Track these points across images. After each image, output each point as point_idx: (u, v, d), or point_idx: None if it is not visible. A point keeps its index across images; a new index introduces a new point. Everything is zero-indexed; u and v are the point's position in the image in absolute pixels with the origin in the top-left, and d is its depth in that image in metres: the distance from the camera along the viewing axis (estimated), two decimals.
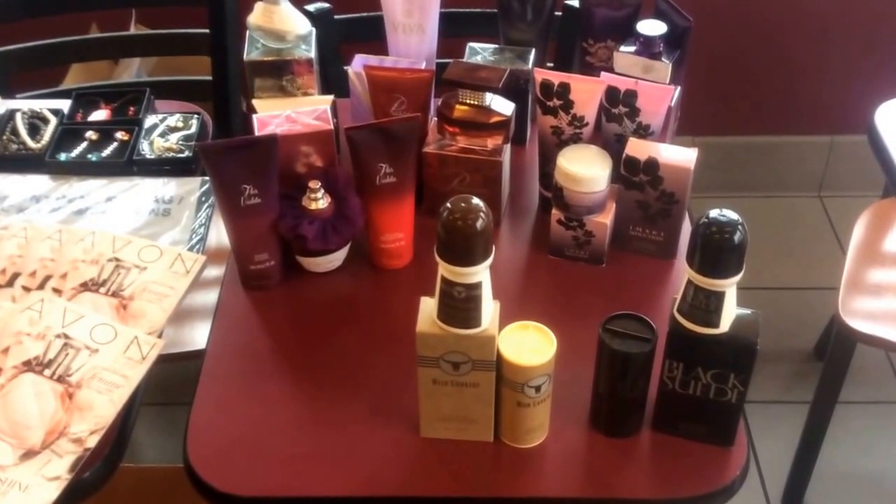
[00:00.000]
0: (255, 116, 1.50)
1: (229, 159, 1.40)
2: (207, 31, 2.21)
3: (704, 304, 1.16)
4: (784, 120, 3.10)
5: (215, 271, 1.58)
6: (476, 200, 1.13)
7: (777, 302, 2.86)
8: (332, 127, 1.48)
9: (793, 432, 2.27)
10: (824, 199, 3.21)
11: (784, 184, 3.21)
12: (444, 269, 1.14)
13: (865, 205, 2.24)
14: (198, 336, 1.53)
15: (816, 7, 2.84)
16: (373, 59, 1.68)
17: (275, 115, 1.49)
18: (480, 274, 1.14)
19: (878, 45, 2.91)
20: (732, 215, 1.13)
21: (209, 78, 2.28)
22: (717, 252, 1.12)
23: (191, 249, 1.62)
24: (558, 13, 1.89)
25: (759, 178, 3.19)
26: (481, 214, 1.11)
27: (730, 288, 1.15)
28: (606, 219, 1.50)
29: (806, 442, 2.23)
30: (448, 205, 1.12)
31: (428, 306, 1.20)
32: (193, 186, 1.75)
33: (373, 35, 1.76)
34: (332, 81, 2.04)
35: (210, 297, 1.54)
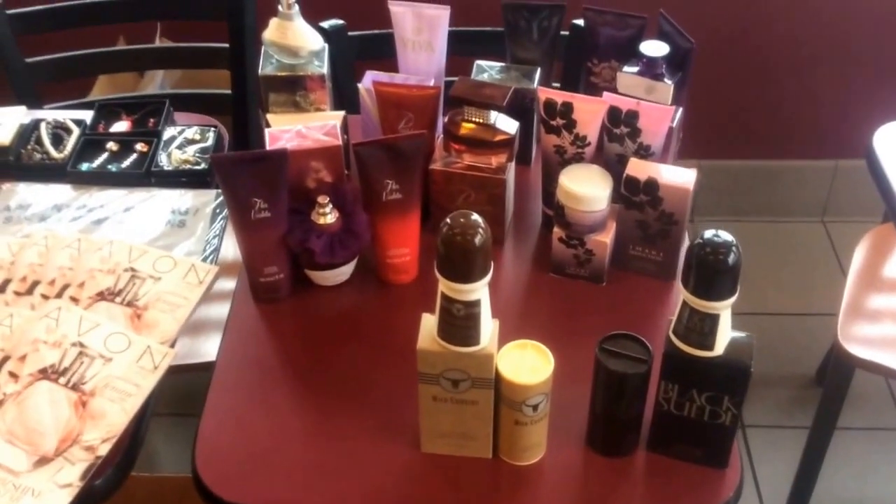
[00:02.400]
0: (266, 131, 1.48)
1: (241, 172, 1.37)
2: (228, 45, 2.19)
3: (699, 327, 1.13)
4: (788, 144, 3.04)
5: (230, 284, 1.56)
6: (475, 216, 1.10)
7: (779, 327, 2.80)
8: (340, 143, 1.46)
9: (793, 457, 2.23)
10: (827, 224, 3.14)
11: (787, 208, 3.14)
12: (443, 286, 1.12)
13: (869, 230, 2.19)
14: (211, 347, 1.50)
15: (820, 33, 2.79)
16: (383, 76, 1.65)
17: (286, 129, 1.47)
18: (479, 291, 1.12)
19: (882, 69, 2.87)
20: (727, 237, 1.10)
21: (230, 91, 2.25)
22: (711, 274, 1.09)
23: (204, 260, 1.60)
24: (565, 32, 1.86)
25: (763, 202, 3.13)
26: (480, 230, 1.09)
27: (724, 310, 1.12)
28: (607, 238, 1.47)
29: (805, 466, 2.19)
30: (448, 220, 1.10)
31: (429, 323, 1.17)
32: (209, 198, 1.73)
33: (386, 52, 1.73)
34: (346, 97, 2.01)
35: (224, 309, 1.52)
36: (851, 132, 2.88)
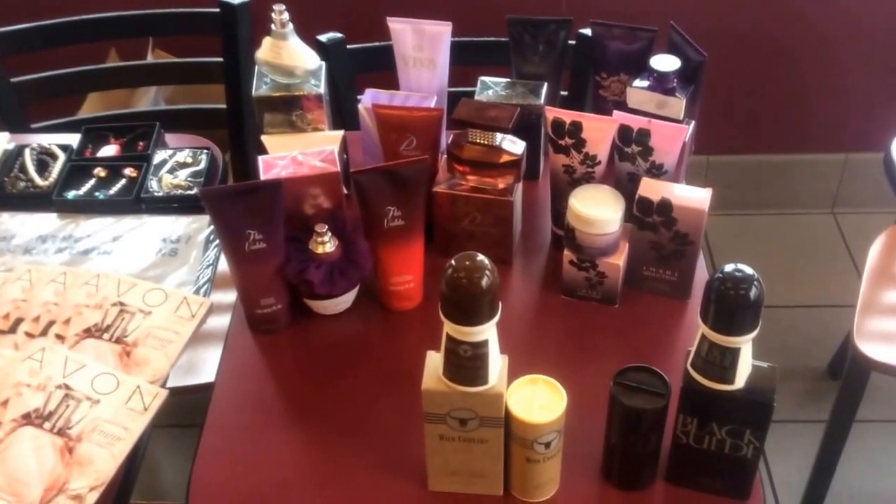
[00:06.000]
0: (260, 158, 1.43)
1: (233, 204, 1.33)
2: (221, 59, 2.14)
3: (719, 361, 1.08)
4: (798, 138, 3.03)
5: (230, 297, 1.51)
6: (481, 258, 1.05)
7: (790, 320, 2.79)
8: (338, 169, 1.41)
9: (807, 451, 2.21)
10: (838, 216, 3.14)
11: (798, 201, 3.14)
12: (448, 328, 1.07)
13: (878, 221, 2.16)
14: (211, 367, 1.45)
15: (827, 29, 2.77)
16: (383, 95, 1.60)
17: (280, 156, 1.42)
18: (487, 332, 1.07)
19: (889, 63, 2.84)
20: (747, 270, 1.05)
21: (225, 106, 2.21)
22: (732, 309, 1.05)
23: (198, 291, 1.55)
24: (572, 42, 1.81)
25: (773, 195, 3.12)
26: (486, 272, 1.04)
27: (745, 344, 1.07)
28: (619, 260, 1.42)
29: (821, 464, 2.16)
30: (452, 262, 1.05)
31: (434, 362, 1.13)
32: (201, 225, 1.68)
33: (386, 65, 1.69)
34: (346, 112, 1.96)
35: (224, 321, 1.48)
36: (862, 126, 2.92)
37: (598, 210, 1.38)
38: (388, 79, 1.67)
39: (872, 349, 1.87)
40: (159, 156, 1.80)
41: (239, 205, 1.33)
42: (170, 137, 1.91)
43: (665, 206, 1.38)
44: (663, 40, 1.58)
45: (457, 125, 1.47)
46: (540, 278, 1.55)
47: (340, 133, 1.54)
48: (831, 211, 3.15)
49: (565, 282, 1.47)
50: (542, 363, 1.17)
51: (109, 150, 1.84)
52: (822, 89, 2.91)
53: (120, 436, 1.29)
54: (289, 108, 1.55)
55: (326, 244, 1.39)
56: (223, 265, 1.52)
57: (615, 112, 1.44)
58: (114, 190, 1.75)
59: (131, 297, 1.48)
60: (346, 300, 1.45)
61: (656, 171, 1.44)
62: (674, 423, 1.17)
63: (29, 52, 2.14)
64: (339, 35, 1.95)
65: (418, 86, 1.64)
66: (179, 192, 1.73)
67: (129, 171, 1.77)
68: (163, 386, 1.37)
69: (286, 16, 1.50)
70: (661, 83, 1.49)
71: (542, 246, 1.59)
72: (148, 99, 2.57)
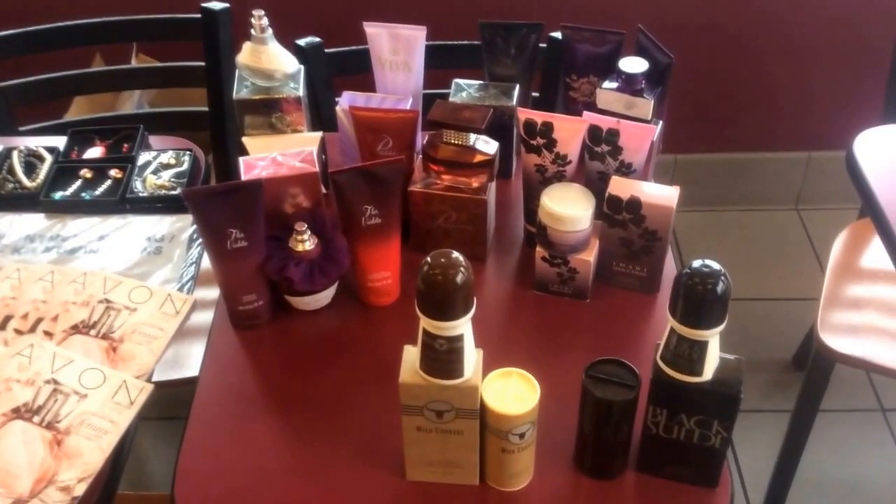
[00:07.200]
0: (241, 159, 1.42)
1: (215, 204, 1.32)
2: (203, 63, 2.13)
3: (687, 353, 1.09)
4: (763, 137, 3.04)
5: (213, 293, 1.50)
6: (456, 254, 1.05)
7: (756, 312, 2.80)
8: (317, 169, 1.40)
9: (773, 440, 2.21)
10: (801, 212, 3.16)
11: (763, 198, 3.15)
12: (425, 323, 1.07)
13: (841, 217, 2.16)
14: (195, 361, 1.45)
15: (794, 29, 2.79)
16: (359, 97, 1.60)
17: (261, 157, 1.42)
18: (462, 326, 1.07)
19: (847, 64, 2.86)
20: (715, 265, 1.05)
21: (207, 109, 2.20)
22: (699, 303, 1.05)
23: (181, 288, 1.55)
24: (542, 45, 1.81)
25: (739, 192, 3.14)
26: (461, 269, 1.04)
27: (713, 337, 1.07)
28: (590, 256, 1.42)
29: (787, 452, 2.17)
30: (428, 259, 1.05)
31: (411, 355, 1.13)
32: (185, 224, 1.68)
33: (363, 68, 1.69)
34: (324, 114, 1.96)
35: (207, 317, 1.47)
36: (824, 127, 2.93)
37: (569, 208, 1.39)
38: (365, 81, 1.66)
39: (836, 342, 1.88)
40: (143, 157, 1.80)
41: (221, 204, 1.32)
42: (153, 139, 1.90)
43: (634, 204, 1.38)
44: (631, 43, 1.59)
45: (432, 126, 1.48)
46: (513, 274, 1.55)
47: (319, 134, 1.54)
48: (795, 207, 3.16)
49: (538, 277, 1.48)
50: (515, 356, 1.18)
51: (95, 151, 1.84)
52: (786, 90, 2.92)
53: (107, 429, 1.28)
54: (269, 111, 1.54)
55: (306, 242, 1.39)
56: (206, 263, 1.52)
57: (585, 113, 1.45)
58: (99, 191, 1.74)
59: (117, 295, 1.48)
60: (325, 296, 1.45)
61: (625, 170, 1.44)
62: (644, 414, 1.17)
63: (16, 56, 2.12)
64: (317, 39, 1.95)
65: (394, 88, 1.64)
66: (163, 192, 1.73)
67: (114, 173, 1.77)
68: (148, 380, 1.37)
69: (265, 21, 1.50)
70: (629, 84, 1.50)
71: (515, 243, 1.59)
72: (132, 102, 2.56)
